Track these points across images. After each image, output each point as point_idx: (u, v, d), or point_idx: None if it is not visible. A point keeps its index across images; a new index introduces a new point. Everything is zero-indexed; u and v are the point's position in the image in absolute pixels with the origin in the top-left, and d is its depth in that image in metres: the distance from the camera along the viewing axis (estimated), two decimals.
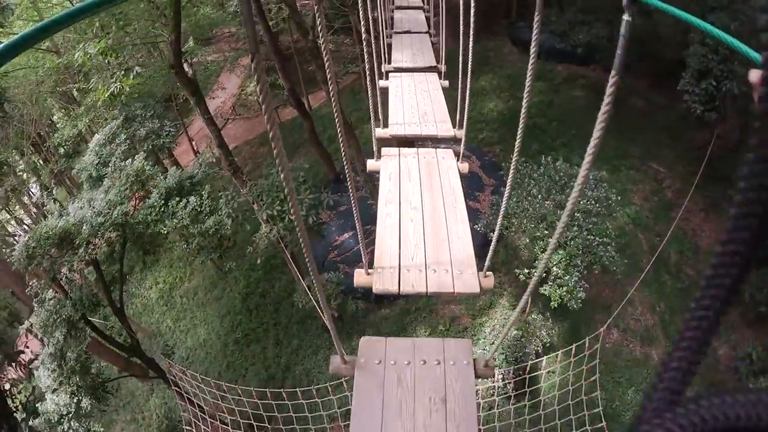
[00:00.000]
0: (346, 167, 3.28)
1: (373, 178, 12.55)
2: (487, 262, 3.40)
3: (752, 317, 12.82)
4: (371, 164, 4.71)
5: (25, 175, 22.70)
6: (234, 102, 22.05)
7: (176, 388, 10.25)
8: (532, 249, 10.68)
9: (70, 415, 9.80)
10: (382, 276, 3.38)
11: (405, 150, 4.79)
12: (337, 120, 2.89)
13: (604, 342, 13.54)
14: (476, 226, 11.74)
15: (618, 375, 12.53)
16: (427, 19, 9.33)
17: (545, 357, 9.30)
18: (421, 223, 3.84)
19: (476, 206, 15.49)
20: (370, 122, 4.71)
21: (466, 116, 4.53)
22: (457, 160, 4.72)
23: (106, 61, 10.37)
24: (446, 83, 6.73)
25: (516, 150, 2.50)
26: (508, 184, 3.18)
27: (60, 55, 13.93)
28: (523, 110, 2.26)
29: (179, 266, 17.82)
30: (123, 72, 10.05)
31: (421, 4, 10.11)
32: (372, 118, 4.53)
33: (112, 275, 11.87)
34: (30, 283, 10.52)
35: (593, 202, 10.34)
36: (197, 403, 10.10)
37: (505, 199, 3.20)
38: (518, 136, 2.33)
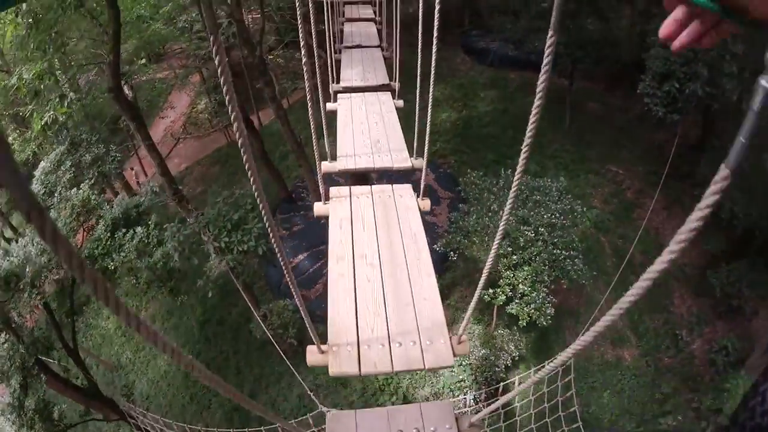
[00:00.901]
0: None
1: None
2: (463, 324, 2.89)
3: (723, 309, 12.85)
4: (318, 208, 4.10)
5: None
6: (185, 121, 21.11)
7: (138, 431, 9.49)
8: (494, 267, 10.28)
9: None
10: (338, 356, 2.79)
11: (357, 189, 4.20)
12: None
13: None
14: (435, 245, 11.30)
15: (592, 379, 12.31)
16: (379, 32, 8.78)
17: (517, 377, 8.86)
18: (380, 283, 3.25)
19: (432, 220, 15.12)
20: (314, 153, 4.16)
21: (426, 145, 3.94)
22: (418, 195, 4.16)
23: (42, 86, 9.54)
24: (400, 103, 6.22)
25: (519, 168, 1.90)
26: (501, 226, 2.68)
27: (11, 75, 12.96)
28: (529, 128, 1.67)
29: (135, 294, 16.78)
30: (57, 99, 9.21)
31: (373, 16, 9.55)
32: (315, 148, 3.97)
33: (64, 313, 10.95)
34: None
35: (557, 215, 9.97)
36: None
37: (495, 246, 2.71)
38: (522, 153, 1.75)
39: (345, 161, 4.68)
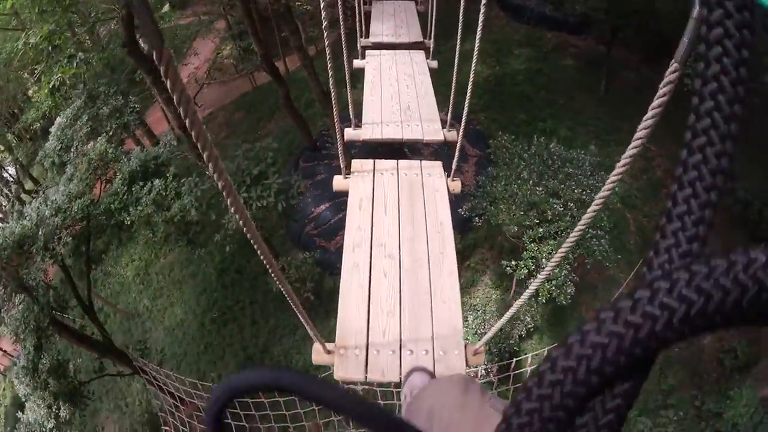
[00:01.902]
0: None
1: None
2: (485, 338, 2.62)
3: None
4: (338, 182, 3.68)
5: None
6: (209, 66, 20.52)
7: (151, 386, 9.54)
8: (520, 238, 9.78)
9: (53, 428, 9.23)
10: (345, 360, 2.53)
11: (381, 164, 3.74)
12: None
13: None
14: (459, 209, 10.82)
15: None
16: None
17: (530, 354, 8.58)
18: (397, 278, 2.90)
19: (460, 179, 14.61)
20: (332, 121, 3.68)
21: (465, 114, 3.62)
22: (448, 176, 3.74)
23: (50, 47, 9.05)
24: (434, 63, 5.63)
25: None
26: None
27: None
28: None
29: (154, 242, 16.82)
30: (66, 60, 8.75)
31: None
32: (335, 114, 3.43)
33: (80, 269, 10.91)
34: None
35: (588, 191, 9.30)
36: (177, 396, 9.41)
37: None
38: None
39: (371, 129, 4.24)
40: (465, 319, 12.84)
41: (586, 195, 9.21)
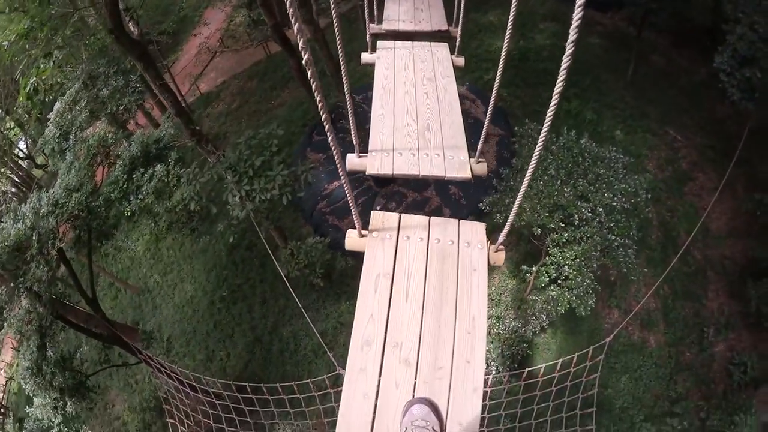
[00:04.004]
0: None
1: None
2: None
3: (753, 322, 11.48)
4: (352, 242, 2.96)
5: (12, 134, 20.34)
6: (221, 35, 19.36)
7: (157, 377, 9.09)
8: (542, 240, 8.91)
9: (60, 423, 8.99)
10: None
11: (409, 220, 2.97)
12: None
13: (603, 322, 12.34)
14: (480, 204, 9.97)
15: (614, 360, 11.32)
16: None
17: (543, 365, 7.87)
18: (410, 392, 2.36)
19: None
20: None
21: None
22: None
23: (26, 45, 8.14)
24: (461, 61, 4.57)
25: None
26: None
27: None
28: None
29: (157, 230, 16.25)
30: (42, 58, 7.84)
31: None
32: (333, 142, 2.52)
33: (81, 264, 10.36)
34: None
35: (619, 195, 8.35)
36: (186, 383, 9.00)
37: None
38: None
39: (379, 160, 3.28)
40: None
41: (617, 200, 8.25)
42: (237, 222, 8.64)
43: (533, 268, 8.70)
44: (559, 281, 8.43)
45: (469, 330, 2.49)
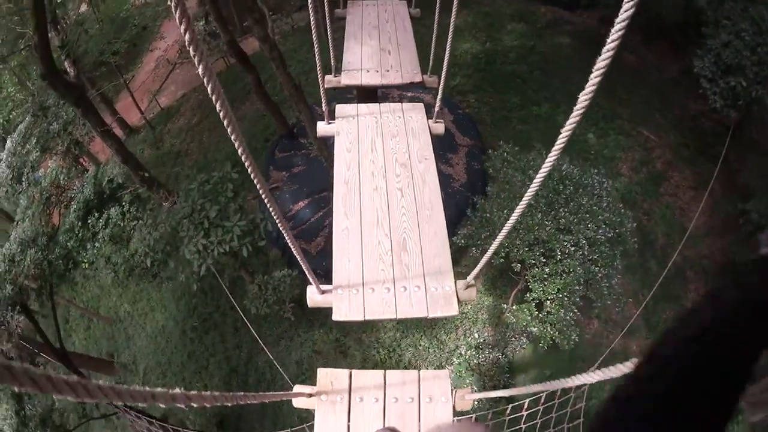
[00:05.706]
0: None
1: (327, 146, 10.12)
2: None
3: None
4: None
5: None
6: (180, 46, 18.54)
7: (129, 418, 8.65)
8: (521, 275, 8.54)
9: None
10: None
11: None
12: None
13: (584, 332, 12.21)
14: (454, 236, 9.52)
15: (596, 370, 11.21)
16: None
17: (527, 400, 7.63)
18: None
19: (448, 171, 12.79)
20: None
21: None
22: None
23: None
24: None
25: None
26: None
27: None
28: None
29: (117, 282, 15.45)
30: None
31: None
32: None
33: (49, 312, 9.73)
34: None
35: (604, 226, 7.90)
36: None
37: None
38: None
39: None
40: (456, 328, 11.92)
41: (602, 233, 7.82)
42: (197, 276, 8.19)
43: (513, 307, 8.34)
44: (540, 316, 8.08)
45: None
